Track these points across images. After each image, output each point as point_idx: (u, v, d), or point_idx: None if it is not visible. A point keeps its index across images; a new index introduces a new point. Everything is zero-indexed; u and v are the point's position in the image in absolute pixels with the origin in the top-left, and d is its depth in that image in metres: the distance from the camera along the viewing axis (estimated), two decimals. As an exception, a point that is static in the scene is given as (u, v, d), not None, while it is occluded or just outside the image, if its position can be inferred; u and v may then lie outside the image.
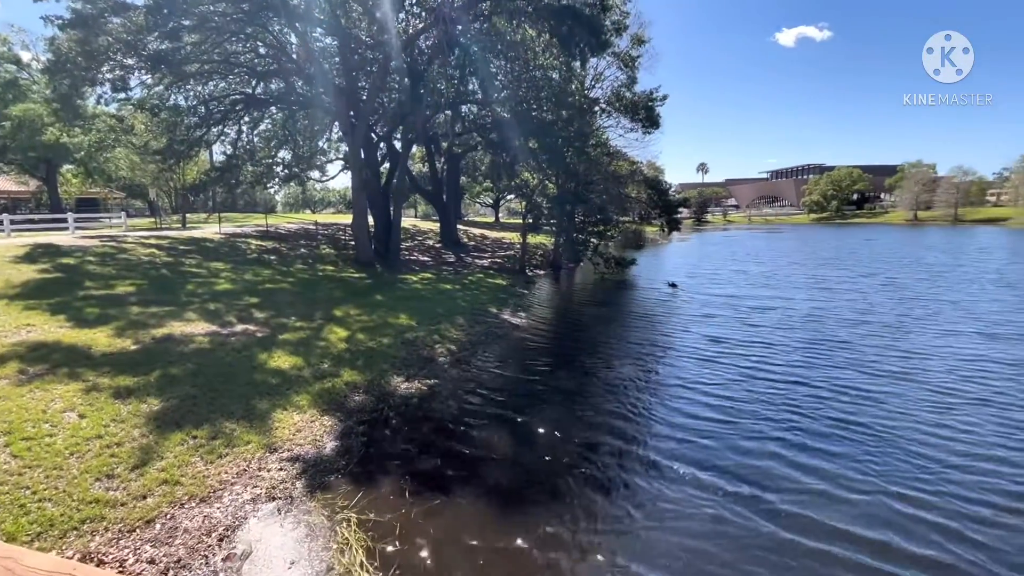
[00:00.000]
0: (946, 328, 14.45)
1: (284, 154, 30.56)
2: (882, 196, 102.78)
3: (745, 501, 6.14)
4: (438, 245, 32.55)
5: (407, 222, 37.84)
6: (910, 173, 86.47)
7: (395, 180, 25.76)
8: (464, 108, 28.84)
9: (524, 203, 29.67)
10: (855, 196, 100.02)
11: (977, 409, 8.77)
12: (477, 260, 28.91)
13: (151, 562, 4.83)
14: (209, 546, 5.15)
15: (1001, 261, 31.31)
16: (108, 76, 19.63)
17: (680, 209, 36.37)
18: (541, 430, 8.24)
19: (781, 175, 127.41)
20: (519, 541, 5.58)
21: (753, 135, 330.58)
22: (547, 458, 7.39)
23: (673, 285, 23.25)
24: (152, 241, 20.36)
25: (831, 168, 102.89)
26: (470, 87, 24.23)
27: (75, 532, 4.95)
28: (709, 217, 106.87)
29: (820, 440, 7.69)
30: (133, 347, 9.27)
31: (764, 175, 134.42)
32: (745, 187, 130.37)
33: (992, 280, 23.09)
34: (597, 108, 27.20)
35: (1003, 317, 15.70)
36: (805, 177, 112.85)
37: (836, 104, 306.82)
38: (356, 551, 5.26)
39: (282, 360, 9.77)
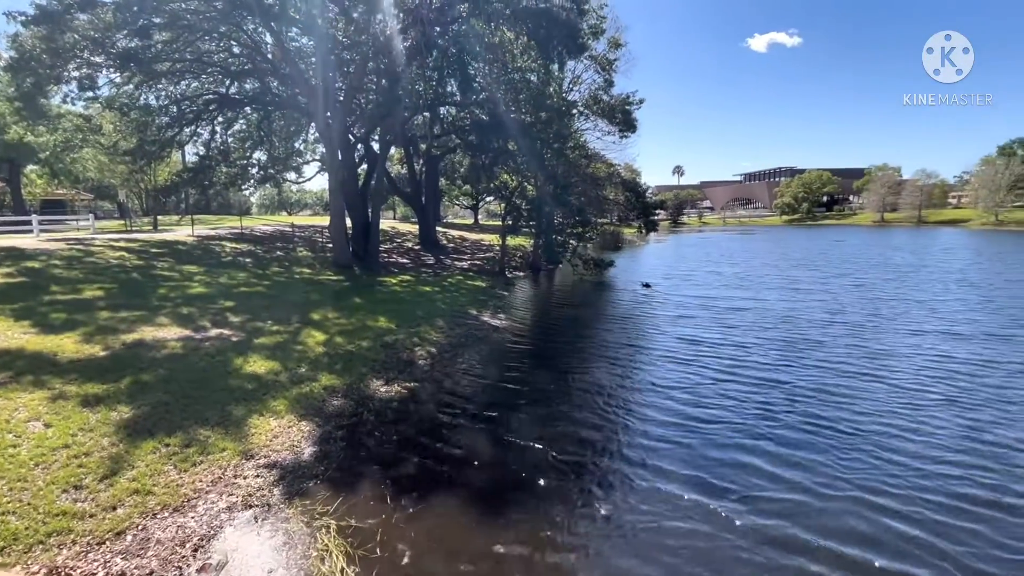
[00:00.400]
0: (914, 328, 14.89)
1: (259, 155, 30.09)
2: (850, 198, 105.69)
3: (718, 511, 6.13)
4: (417, 247, 32.37)
5: (385, 224, 37.59)
6: (876, 176, 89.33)
7: (373, 182, 25.55)
8: (443, 110, 28.76)
9: (503, 205, 29.68)
10: (825, 198, 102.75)
11: (945, 409, 9.00)
12: (456, 262, 28.82)
13: (121, 575, 4.70)
14: (183, 557, 5.02)
15: (964, 261, 32.47)
16: (75, 74, 19.07)
17: (657, 211, 36.79)
18: (519, 434, 8.23)
19: (754, 178, 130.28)
20: (498, 548, 5.56)
21: (727, 138, 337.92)
22: (525, 463, 7.38)
23: (647, 285, 23.58)
24: (122, 244, 19.81)
25: (802, 171, 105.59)
26: (448, 89, 24.17)
27: (41, 546, 4.79)
28: (685, 219, 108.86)
29: (793, 446, 7.74)
30: (102, 353, 9.01)
31: (738, 178, 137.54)
32: (719, 189, 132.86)
33: (956, 280, 23.91)
34: (575, 111, 27.40)
35: (967, 316, 16.27)
36: (777, 180, 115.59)
37: (807, 108, 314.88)
38: (336, 558, 5.20)
39: (258, 365, 9.59)
